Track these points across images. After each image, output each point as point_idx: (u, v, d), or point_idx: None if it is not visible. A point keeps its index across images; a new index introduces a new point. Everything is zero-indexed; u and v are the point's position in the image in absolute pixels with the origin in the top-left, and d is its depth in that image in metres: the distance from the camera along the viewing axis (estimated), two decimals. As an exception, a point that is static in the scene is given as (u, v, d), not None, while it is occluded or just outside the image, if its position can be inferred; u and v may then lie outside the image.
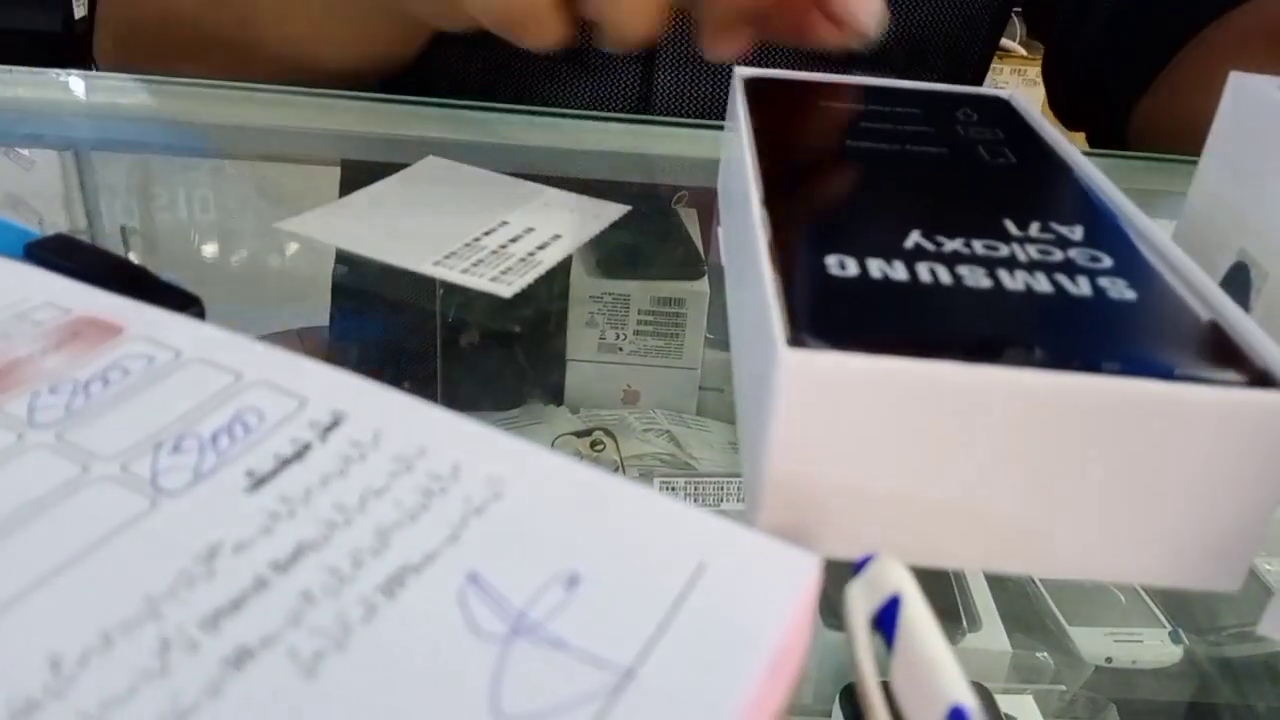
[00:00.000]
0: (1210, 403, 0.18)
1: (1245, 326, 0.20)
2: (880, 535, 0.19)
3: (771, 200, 0.24)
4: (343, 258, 0.39)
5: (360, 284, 0.44)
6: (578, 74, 0.53)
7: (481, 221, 0.34)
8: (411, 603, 0.13)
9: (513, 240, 0.33)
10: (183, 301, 0.20)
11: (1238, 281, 0.29)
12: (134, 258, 0.57)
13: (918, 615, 0.16)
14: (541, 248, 0.33)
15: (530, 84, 0.53)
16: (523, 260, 0.32)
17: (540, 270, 0.31)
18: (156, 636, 0.13)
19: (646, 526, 0.15)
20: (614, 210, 0.37)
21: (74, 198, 0.55)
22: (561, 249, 0.32)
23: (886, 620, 0.16)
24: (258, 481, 0.15)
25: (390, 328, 0.43)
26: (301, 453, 0.16)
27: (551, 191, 0.38)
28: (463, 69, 0.54)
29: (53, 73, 0.51)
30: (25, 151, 0.54)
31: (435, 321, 0.40)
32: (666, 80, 0.52)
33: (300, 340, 0.68)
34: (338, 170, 0.48)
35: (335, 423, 0.16)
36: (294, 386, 0.17)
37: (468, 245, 0.32)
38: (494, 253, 0.32)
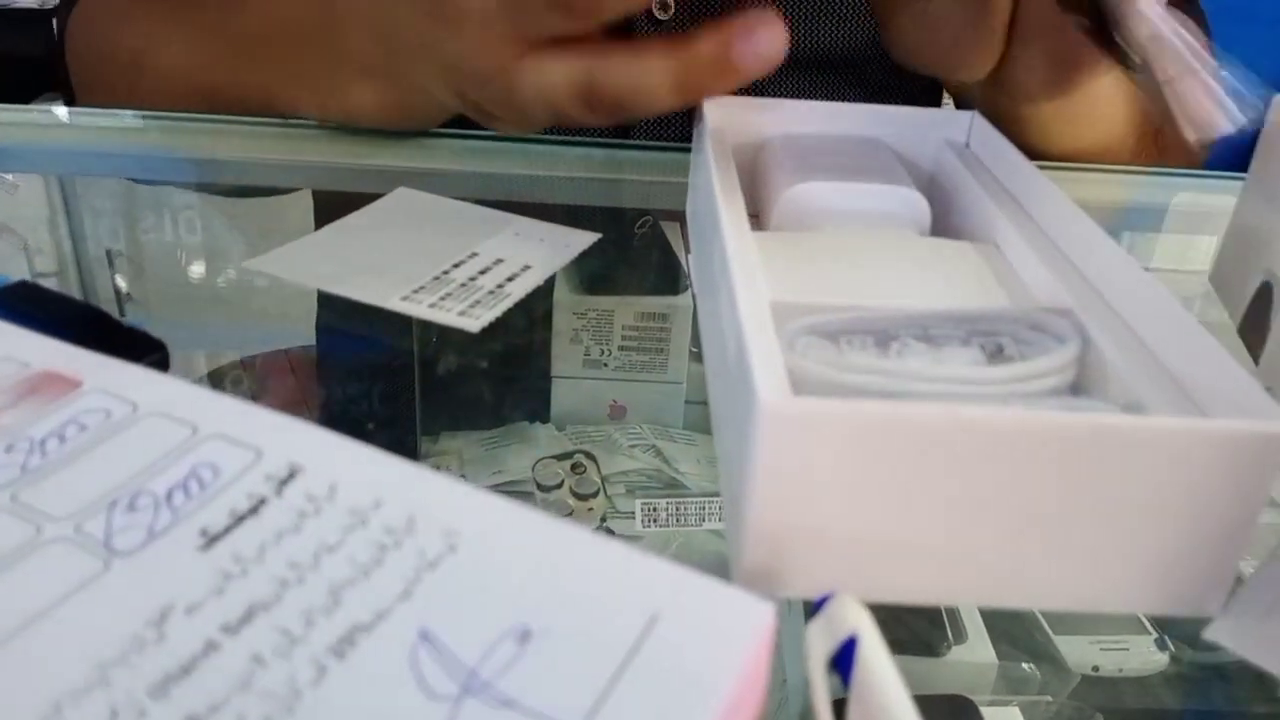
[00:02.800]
0: (1178, 434, 0.18)
1: (1215, 357, 0.20)
2: (861, 575, 0.19)
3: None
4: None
5: (345, 304, 0.44)
6: None
7: (451, 253, 0.34)
8: (362, 663, 0.13)
9: (482, 272, 0.33)
10: (147, 346, 0.20)
11: (1263, 300, 0.29)
12: (120, 281, 0.57)
13: (874, 655, 0.16)
14: (511, 279, 0.33)
15: None
16: (491, 293, 0.32)
17: (509, 303, 0.31)
18: (106, 705, 0.13)
19: (600, 576, 0.15)
20: (584, 239, 0.37)
21: (59, 222, 0.55)
22: (531, 280, 0.32)
23: (844, 661, 0.16)
24: (211, 540, 0.15)
25: (376, 347, 0.43)
26: (256, 507, 0.16)
27: (522, 221, 0.38)
28: None
29: (36, 109, 0.51)
30: (9, 176, 0.54)
31: (421, 341, 0.41)
32: None
33: (288, 360, 0.68)
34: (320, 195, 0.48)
35: (291, 475, 0.16)
36: (250, 439, 0.17)
37: (436, 279, 0.32)
38: (462, 285, 0.32)
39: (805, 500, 0.18)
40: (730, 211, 0.26)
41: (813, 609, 0.17)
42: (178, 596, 0.14)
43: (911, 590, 0.20)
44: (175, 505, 0.15)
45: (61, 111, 0.51)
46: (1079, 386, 0.23)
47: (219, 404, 0.17)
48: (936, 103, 0.61)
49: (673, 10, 0.51)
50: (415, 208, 0.39)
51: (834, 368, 0.21)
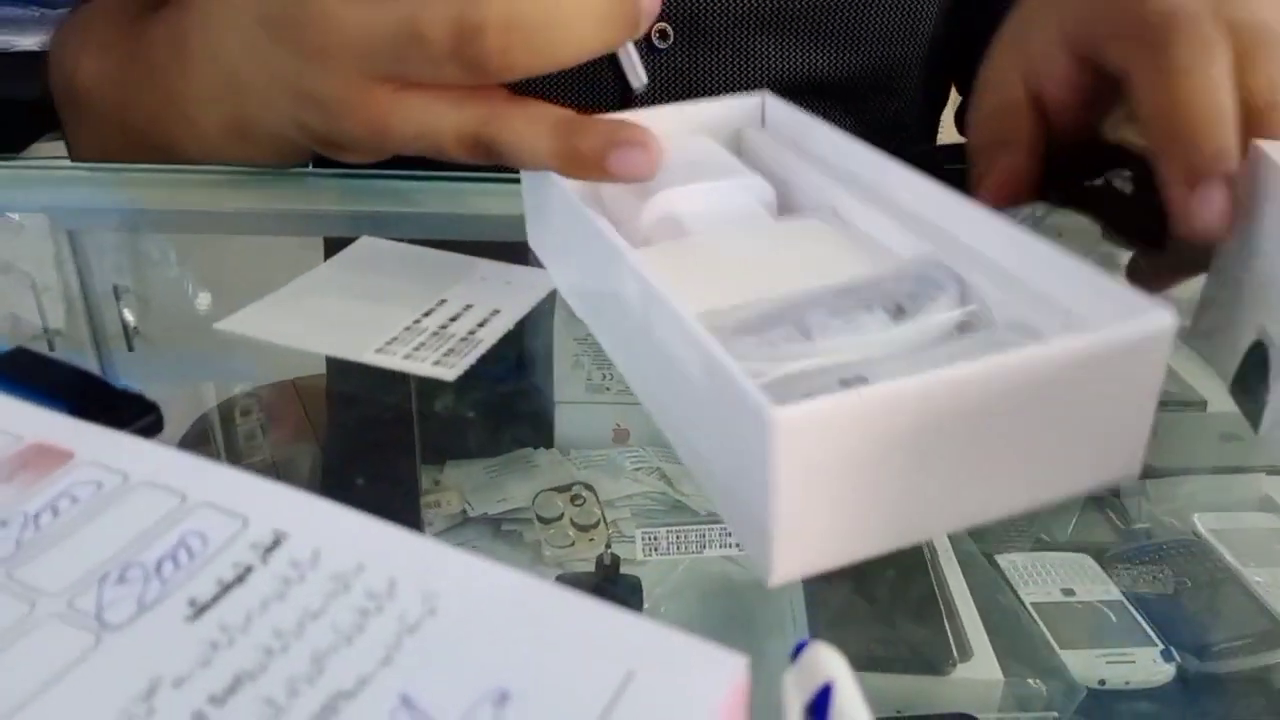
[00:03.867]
0: (1095, 349, 0.21)
1: (1077, 270, 0.23)
2: (869, 532, 0.22)
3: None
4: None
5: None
6: None
7: (420, 302, 0.34)
8: (344, 732, 0.14)
9: (452, 319, 0.33)
10: (140, 409, 0.21)
11: (1258, 360, 0.28)
12: (128, 315, 0.57)
13: (849, 702, 0.16)
14: (482, 325, 0.33)
15: None
16: (463, 340, 0.32)
17: (482, 349, 0.31)
18: (96, 781, 0.13)
19: (576, 636, 0.15)
20: (550, 280, 0.37)
21: (65, 258, 0.56)
22: (501, 325, 0.33)
23: (820, 708, 0.16)
24: (199, 610, 0.16)
25: (382, 377, 0.43)
26: (243, 576, 0.16)
27: (486, 264, 0.38)
28: None
29: (41, 161, 0.52)
30: (15, 216, 0.55)
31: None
32: None
33: (296, 390, 0.69)
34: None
35: (276, 543, 0.17)
36: (236, 506, 0.17)
37: (408, 329, 0.33)
38: (434, 334, 0.32)
39: (819, 489, 0.20)
40: (613, 233, 0.27)
41: (791, 657, 0.17)
42: (166, 669, 0.15)
43: (910, 531, 0.22)
44: (165, 576, 0.16)
45: (65, 163, 0.52)
46: (967, 324, 0.25)
47: (206, 472, 0.18)
48: (929, 122, 0.61)
49: (671, 39, 0.51)
50: (380, 256, 0.39)
51: (774, 360, 0.22)
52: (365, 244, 0.39)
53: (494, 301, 0.34)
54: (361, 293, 0.36)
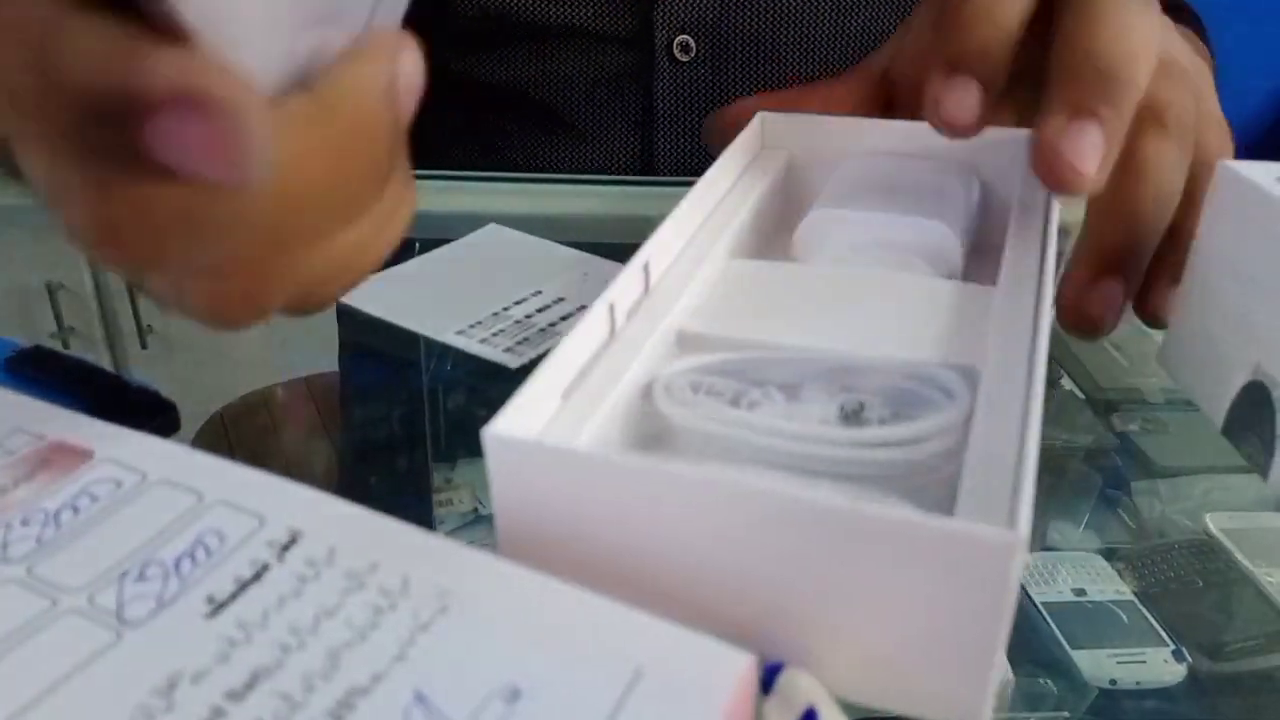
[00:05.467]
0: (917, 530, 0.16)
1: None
2: None
3: None
4: (345, 309, 0.40)
5: (367, 333, 0.45)
6: (573, 142, 0.53)
7: (515, 290, 0.35)
8: (358, 727, 0.14)
9: (539, 310, 0.34)
10: (156, 407, 0.21)
11: (1257, 402, 0.26)
12: (141, 314, 0.58)
13: None
14: (564, 318, 0.33)
15: (523, 154, 0.53)
16: (542, 331, 0.33)
17: (555, 341, 0.32)
18: (117, 774, 0.13)
19: (586, 633, 0.16)
20: None
21: (79, 258, 0.56)
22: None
23: (807, 734, 0.16)
24: (217, 607, 0.16)
25: (395, 375, 0.44)
26: (260, 573, 0.16)
27: (596, 261, 0.38)
28: (446, 144, 0.54)
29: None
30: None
31: (438, 368, 0.41)
32: (667, 142, 0.52)
33: (308, 388, 0.69)
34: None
35: (292, 540, 0.17)
36: (253, 505, 0.17)
37: (495, 314, 0.33)
38: (517, 322, 0.33)
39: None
40: (672, 228, 0.26)
41: (762, 682, 0.17)
42: (185, 665, 0.15)
43: None
44: (183, 573, 0.16)
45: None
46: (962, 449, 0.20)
47: (223, 471, 0.18)
48: None
49: (694, 52, 0.51)
50: (499, 244, 0.40)
51: (684, 407, 0.21)
52: (489, 231, 0.40)
53: (586, 297, 0.35)
54: (466, 276, 0.37)
